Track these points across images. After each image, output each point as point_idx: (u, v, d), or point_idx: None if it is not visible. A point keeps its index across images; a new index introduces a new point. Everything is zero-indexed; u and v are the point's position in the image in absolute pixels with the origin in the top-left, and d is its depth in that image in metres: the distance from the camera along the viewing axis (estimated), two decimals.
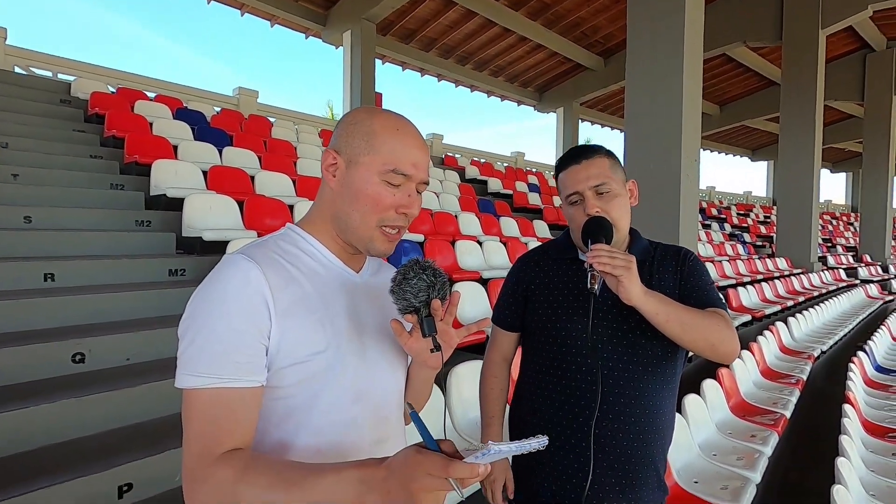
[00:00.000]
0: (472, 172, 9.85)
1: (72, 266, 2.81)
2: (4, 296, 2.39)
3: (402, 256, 3.89)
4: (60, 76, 6.72)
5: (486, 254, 5.23)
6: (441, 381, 2.41)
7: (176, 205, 3.79)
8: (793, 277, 8.79)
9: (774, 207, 11.62)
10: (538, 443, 0.57)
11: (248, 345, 0.67)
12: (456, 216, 6.09)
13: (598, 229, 1.05)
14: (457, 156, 11.48)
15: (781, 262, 9.63)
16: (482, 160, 11.80)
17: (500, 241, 5.65)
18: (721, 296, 1.13)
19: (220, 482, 0.63)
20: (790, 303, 7.19)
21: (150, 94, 6.67)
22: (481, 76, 12.81)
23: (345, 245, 0.82)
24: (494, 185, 9.33)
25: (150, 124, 5.29)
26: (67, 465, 1.69)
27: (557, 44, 11.47)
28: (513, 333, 1.26)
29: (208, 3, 9.10)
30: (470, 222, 6.20)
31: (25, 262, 2.69)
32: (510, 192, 9.20)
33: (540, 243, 1.33)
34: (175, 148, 4.90)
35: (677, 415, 2.59)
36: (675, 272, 1.13)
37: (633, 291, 0.93)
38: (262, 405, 0.71)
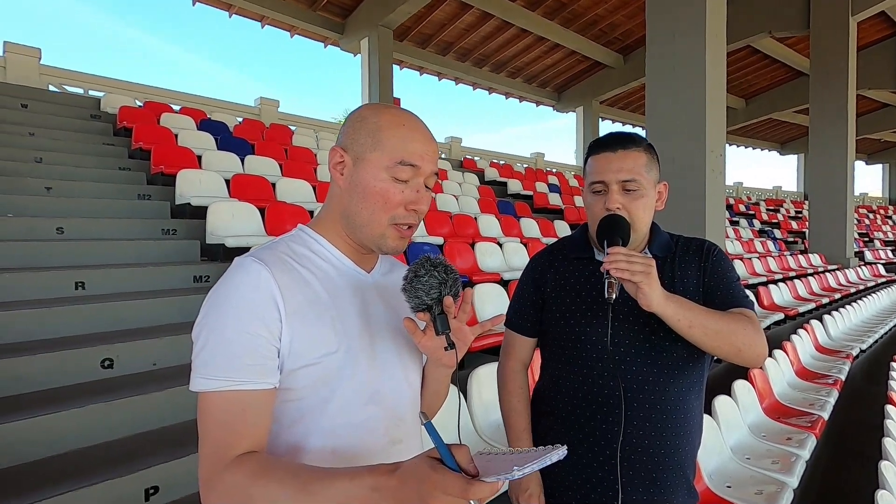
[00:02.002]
0: (492, 174, 9.81)
1: (101, 274, 2.89)
2: (38, 304, 2.48)
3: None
4: (91, 92, 6.98)
5: (506, 255, 5.19)
6: (461, 383, 2.38)
7: (200, 213, 3.87)
8: (828, 274, 8.45)
9: (806, 202, 11.19)
10: (557, 455, 0.56)
11: (259, 347, 0.67)
12: (475, 218, 6.06)
13: (615, 229, 0.98)
14: (476, 158, 11.46)
15: (815, 259, 9.28)
16: (501, 162, 11.75)
17: (521, 242, 5.60)
18: (747, 293, 1.06)
19: (233, 485, 0.63)
20: (825, 300, 6.91)
21: (175, 107, 6.87)
22: (499, 78, 12.78)
23: (356, 245, 0.81)
24: (514, 186, 9.27)
25: (176, 136, 5.44)
26: (96, 468, 1.73)
27: (575, 42, 11.36)
28: (530, 339, 1.20)
29: (230, 16, 9.33)
30: (490, 224, 6.17)
31: (58, 272, 2.78)
32: (530, 192, 9.13)
33: None
34: (199, 158, 5.02)
35: (707, 416, 2.51)
36: (698, 268, 1.07)
37: (653, 298, 0.87)
38: (275, 407, 0.71)
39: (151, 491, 1.75)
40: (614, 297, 0.91)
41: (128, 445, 1.92)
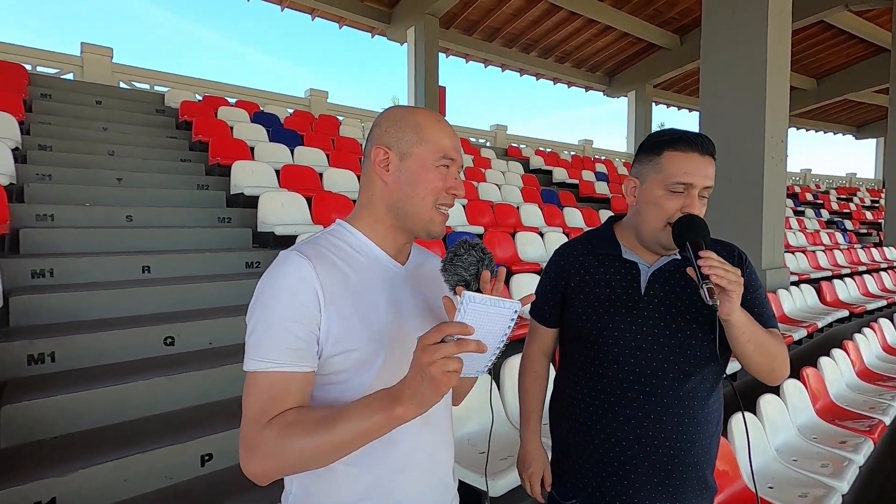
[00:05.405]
0: (537, 162, 9.66)
1: (165, 259, 3.14)
2: (111, 286, 2.73)
3: None
4: (157, 88, 7.45)
5: (547, 245, 5.14)
6: (494, 372, 2.42)
7: (252, 202, 4.09)
8: None
9: (884, 190, 10.28)
10: (511, 304, 0.67)
11: (300, 334, 0.75)
12: (518, 207, 6.03)
13: (700, 231, 0.94)
14: (521, 146, 11.31)
15: (891, 252, 8.55)
16: (548, 150, 11.53)
17: (563, 232, 5.52)
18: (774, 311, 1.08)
19: (267, 443, 0.71)
20: None
21: (231, 100, 7.21)
22: (547, 63, 12.51)
23: (397, 237, 0.88)
24: (559, 174, 9.09)
25: (231, 128, 5.73)
26: (159, 435, 1.91)
27: (628, 24, 10.91)
28: (551, 329, 1.23)
29: (282, 10, 9.64)
30: (532, 213, 6.11)
31: (128, 256, 3.04)
32: (576, 181, 8.93)
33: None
34: (252, 149, 5.28)
35: (751, 415, 2.43)
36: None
37: (735, 307, 0.88)
38: (318, 390, 0.79)
39: (207, 458, 1.92)
40: (714, 303, 0.87)
41: (186, 416, 2.10)
